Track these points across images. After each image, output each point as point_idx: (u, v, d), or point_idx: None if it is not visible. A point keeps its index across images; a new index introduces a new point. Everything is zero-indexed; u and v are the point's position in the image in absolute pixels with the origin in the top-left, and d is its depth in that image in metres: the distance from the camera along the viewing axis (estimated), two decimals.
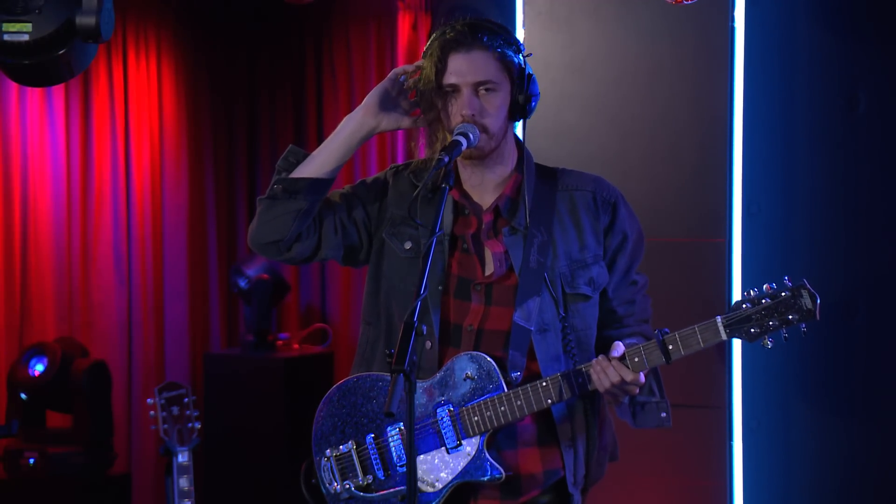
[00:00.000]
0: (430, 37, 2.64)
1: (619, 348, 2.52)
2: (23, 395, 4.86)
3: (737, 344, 3.86)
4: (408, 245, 2.66)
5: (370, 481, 2.62)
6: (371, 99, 2.66)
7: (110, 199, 5.46)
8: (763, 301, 2.46)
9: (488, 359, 2.55)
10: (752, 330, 2.46)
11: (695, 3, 3.60)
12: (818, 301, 2.44)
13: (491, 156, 2.62)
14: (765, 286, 2.47)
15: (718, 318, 2.48)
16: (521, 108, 2.60)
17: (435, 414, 2.58)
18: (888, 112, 3.89)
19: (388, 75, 2.67)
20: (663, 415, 2.64)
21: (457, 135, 2.51)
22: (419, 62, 2.62)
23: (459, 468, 2.56)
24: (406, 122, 2.68)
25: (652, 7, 3.91)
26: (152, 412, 3.58)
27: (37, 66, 3.27)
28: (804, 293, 2.44)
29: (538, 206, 2.63)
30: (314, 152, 2.68)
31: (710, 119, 3.90)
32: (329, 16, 5.75)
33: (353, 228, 2.70)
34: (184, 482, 3.59)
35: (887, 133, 3.90)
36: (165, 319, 5.67)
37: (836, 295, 3.83)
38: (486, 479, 2.55)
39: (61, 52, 3.24)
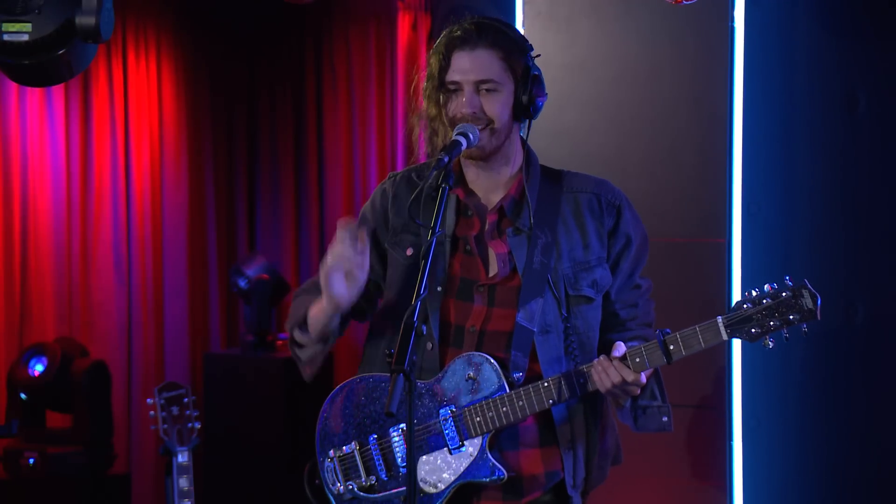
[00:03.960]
0: (430, 36, 2.64)
1: (620, 348, 2.52)
2: (23, 395, 4.86)
3: (737, 344, 3.85)
4: (409, 252, 2.66)
5: (373, 482, 2.62)
6: (327, 292, 2.61)
7: (110, 200, 5.46)
8: (764, 301, 2.46)
9: (490, 359, 2.55)
10: (753, 330, 2.46)
11: (695, 3, 3.60)
12: (819, 301, 2.43)
13: (494, 156, 2.61)
14: (766, 286, 2.47)
15: (719, 319, 2.48)
16: (524, 108, 2.59)
17: (437, 415, 2.58)
18: (888, 112, 3.89)
19: (331, 250, 2.57)
20: (665, 419, 2.63)
21: (457, 134, 2.51)
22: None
23: (462, 469, 2.56)
24: (362, 279, 2.58)
25: (652, 7, 3.91)
26: (152, 412, 3.57)
27: (37, 66, 3.26)
28: (805, 293, 2.44)
29: (542, 207, 2.63)
30: (304, 343, 2.86)
31: (710, 119, 3.90)
32: (329, 16, 5.75)
33: (378, 267, 2.72)
34: (183, 482, 3.59)
35: (887, 133, 3.90)
36: (165, 319, 5.67)
37: (836, 295, 3.83)
38: (488, 479, 2.55)
39: (61, 52, 3.23)
